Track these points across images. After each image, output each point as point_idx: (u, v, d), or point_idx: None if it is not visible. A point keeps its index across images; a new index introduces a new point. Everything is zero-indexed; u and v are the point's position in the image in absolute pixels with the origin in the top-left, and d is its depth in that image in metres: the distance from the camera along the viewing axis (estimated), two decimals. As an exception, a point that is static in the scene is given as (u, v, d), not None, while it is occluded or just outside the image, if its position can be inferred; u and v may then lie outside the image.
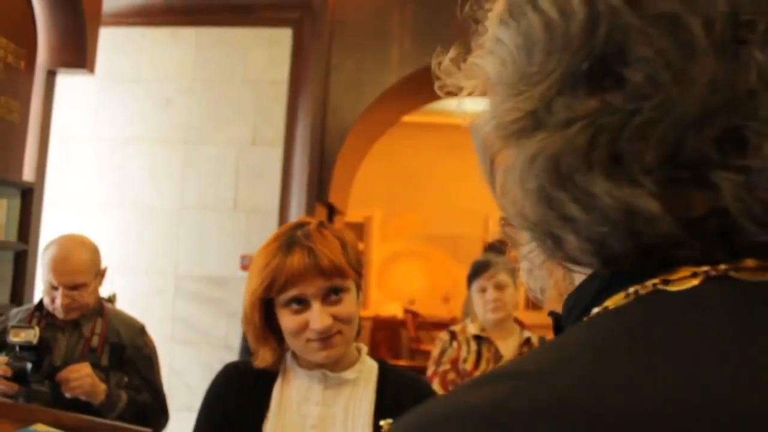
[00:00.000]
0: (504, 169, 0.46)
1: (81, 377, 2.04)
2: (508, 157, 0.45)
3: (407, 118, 5.91)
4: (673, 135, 0.38)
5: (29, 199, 3.49)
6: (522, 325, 2.70)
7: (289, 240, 1.34)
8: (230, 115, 4.32)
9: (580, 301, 0.46)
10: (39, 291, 2.63)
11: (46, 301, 2.23)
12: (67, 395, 2.04)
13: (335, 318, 1.33)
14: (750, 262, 0.40)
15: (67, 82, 3.90)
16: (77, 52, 3.61)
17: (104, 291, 2.45)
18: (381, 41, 4.42)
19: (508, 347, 2.62)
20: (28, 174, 3.51)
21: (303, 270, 1.30)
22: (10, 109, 3.35)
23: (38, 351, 2.04)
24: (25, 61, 3.44)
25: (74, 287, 2.19)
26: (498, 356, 2.60)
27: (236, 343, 3.96)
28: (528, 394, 0.35)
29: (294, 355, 1.43)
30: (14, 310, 2.38)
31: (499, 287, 2.59)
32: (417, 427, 0.37)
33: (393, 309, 8.57)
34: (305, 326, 1.33)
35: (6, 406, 1.84)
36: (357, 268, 1.38)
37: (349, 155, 4.69)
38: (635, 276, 0.42)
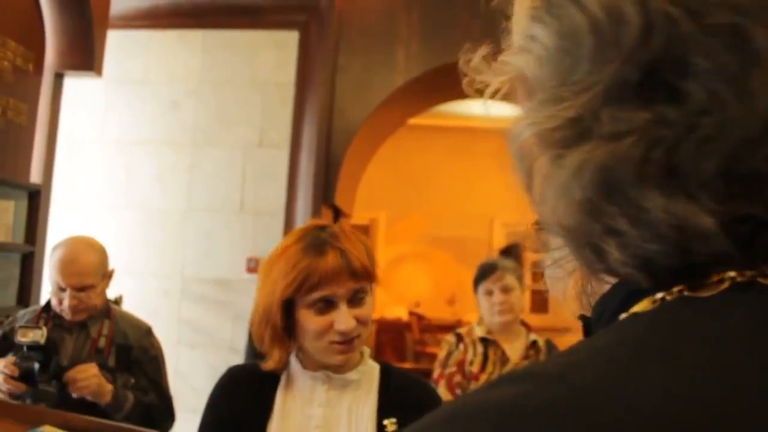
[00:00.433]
0: (543, 177, 0.44)
1: (88, 377, 2.05)
2: (547, 165, 0.44)
3: (413, 121, 5.92)
4: (731, 152, 0.38)
5: (36, 200, 3.50)
6: (528, 328, 2.70)
7: (316, 241, 1.34)
8: (237, 117, 4.33)
9: (608, 306, 0.46)
10: (46, 293, 2.64)
11: (54, 303, 2.24)
12: (74, 395, 2.05)
13: (357, 320, 1.35)
14: None
15: (75, 85, 3.91)
16: (85, 55, 3.63)
17: (111, 293, 2.46)
18: (387, 44, 4.42)
19: (514, 350, 2.62)
20: (35, 176, 3.53)
21: (336, 271, 1.31)
22: (18, 111, 3.36)
23: (46, 351, 2.04)
24: (33, 64, 3.46)
25: (82, 289, 2.20)
26: (504, 359, 2.60)
27: (242, 345, 3.96)
28: (542, 393, 0.35)
29: (298, 358, 1.43)
30: (21, 312, 2.39)
31: (506, 290, 2.59)
32: (438, 423, 0.37)
33: (398, 311, 8.56)
34: (329, 327, 1.33)
35: (14, 407, 1.85)
36: (375, 272, 1.40)
37: (355, 157, 4.69)
38: (666, 281, 0.41)
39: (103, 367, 2.14)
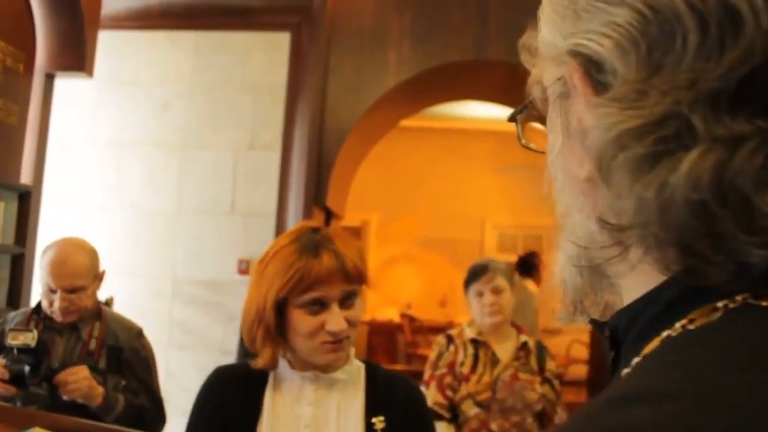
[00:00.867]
0: (631, 175, 0.42)
1: (79, 380, 2.04)
2: (636, 163, 0.42)
3: (405, 122, 5.93)
4: None
5: (27, 202, 3.49)
6: (519, 330, 2.71)
7: (311, 242, 1.36)
8: (228, 118, 4.32)
9: (643, 313, 0.46)
10: (36, 294, 2.64)
11: (44, 304, 2.23)
12: (65, 398, 2.04)
13: (348, 322, 1.37)
14: None
15: (66, 86, 3.90)
16: (76, 56, 3.62)
17: (102, 294, 2.46)
18: (379, 45, 4.43)
19: (504, 351, 2.63)
20: (25, 177, 3.51)
21: (331, 272, 1.33)
22: (8, 112, 3.35)
23: (36, 354, 2.04)
24: (23, 64, 3.45)
25: (72, 290, 2.19)
26: (495, 360, 2.61)
27: (232, 347, 3.96)
28: (692, 418, 0.34)
29: (286, 358, 1.45)
30: (11, 314, 2.38)
31: (496, 291, 2.60)
32: None
33: (390, 313, 8.57)
34: (321, 328, 1.35)
35: (4, 410, 1.84)
36: (366, 274, 1.42)
37: (347, 159, 4.69)
38: (723, 291, 0.41)
39: (93, 369, 2.13)
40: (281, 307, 1.37)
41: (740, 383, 0.36)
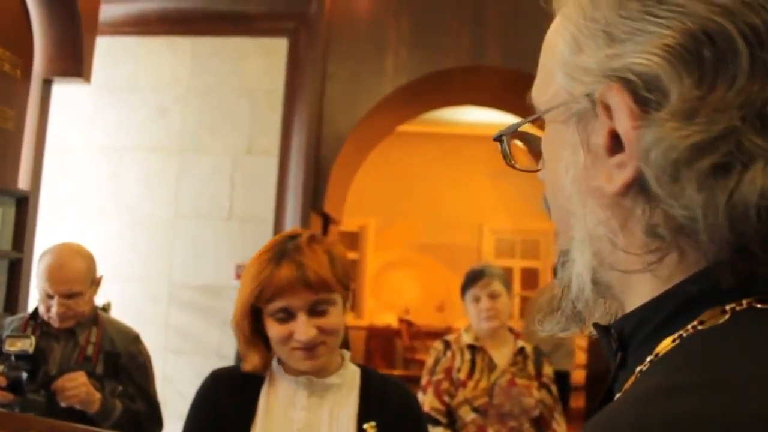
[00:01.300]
0: (698, 184, 0.46)
1: (77, 386, 2.04)
2: (704, 173, 0.45)
3: (402, 128, 5.94)
4: None
5: (24, 207, 3.49)
6: (516, 335, 2.71)
7: (279, 252, 1.37)
8: (226, 124, 4.33)
9: (655, 315, 0.50)
10: (34, 300, 2.63)
11: (42, 310, 2.23)
12: (63, 404, 2.04)
13: (320, 330, 1.37)
14: None
15: (63, 91, 3.90)
16: (73, 61, 3.62)
17: (99, 299, 2.45)
18: (376, 51, 4.44)
19: (501, 356, 2.63)
20: (23, 182, 3.51)
21: (290, 283, 1.34)
22: (5, 117, 3.35)
23: (34, 360, 2.03)
24: (21, 70, 3.45)
25: (70, 296, 2.19)
26: (492, 365, 2.61)
27: (229, 351, 3.96)
28: (736, 405, 0.39)
29: (280, 362, 1.46)
30: (8, 319, 2.38)
31: (493, 296, 2.60)
32: None
33: (387, 318, 8.57)
34: (290, 336, 1.37)
35: (1, 415, 1.84)
36: (344, 282, 1.41)
37: (345, 164, 4.70)
38: (730, 294, 0.47)
39: (91, 374, 2.13)
40: (258, 314, 1.40)
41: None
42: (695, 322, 0.47)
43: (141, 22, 4.40)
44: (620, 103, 0.49)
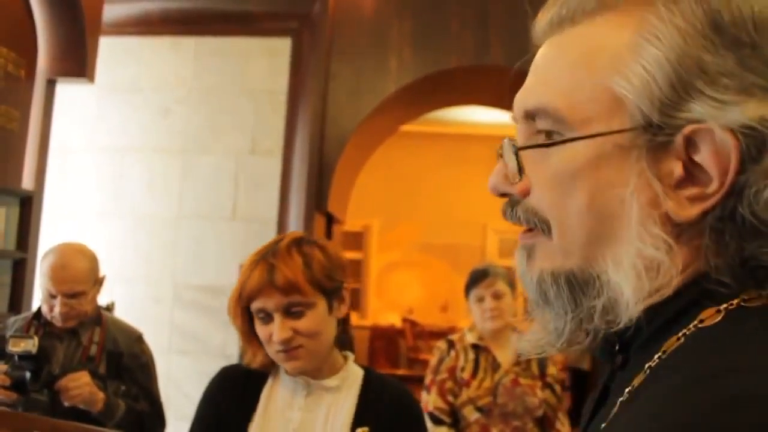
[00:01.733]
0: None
1: (80, 386, 2.04)
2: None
3: (406, 128, 5.93)
4: None
5: (28, 207, 3.49)
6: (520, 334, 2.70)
7: (263, 254, 1.42)
8: (229, 124, 4.33)
9: (655, 318, 0.55)
10: (37, 299, 2.64)
11: (45, 310, 2.23)
12: (66, 404, 2.04)
13: (296, 332, 1.38)
14: None
15: (67, 92, 3.91)
16: (77, 62, 3.62)
17: (103, 299, 2.46)
18: (380, 51, 4.43)
19: (505, 356, 2.63)
20: (27, 182, 3.52)
21: (260, 285, 1.38)
22: (9, 117, 3.36)
23: (37, 360, 2.04)
24: (25, 70, 3.46)
25: (73, 295, 2.19)
26: (495, 365, 2.60)
27: (233, 351, 3.96)
28: None
29: None
30: (12, 319, 2.38)
31: (497, 296, 2.60)
32: (710, 416, 0.43)
33: (391, 318, 8.56)
34: (271, 336, 1.40)
35: (5, 415, 1.84)
36: (323, 286, 1.40)
37: (348, 164, 4.70)
38: (722, 295, 0.52)
39: (94, 374, 2.13)
40: (252, 314, 1.44)
41: None
42: (696, 322, 0.52)
43: (143, 23, 4.40)
44: (726, 147, 0.51)
